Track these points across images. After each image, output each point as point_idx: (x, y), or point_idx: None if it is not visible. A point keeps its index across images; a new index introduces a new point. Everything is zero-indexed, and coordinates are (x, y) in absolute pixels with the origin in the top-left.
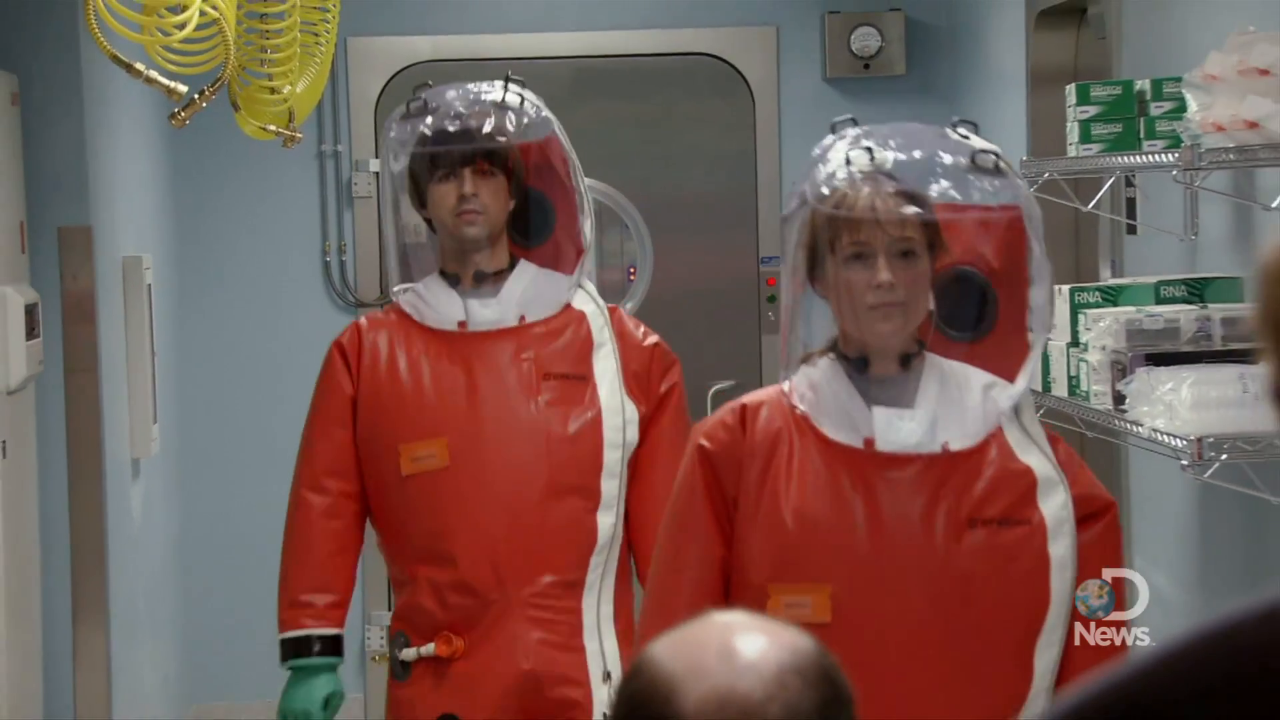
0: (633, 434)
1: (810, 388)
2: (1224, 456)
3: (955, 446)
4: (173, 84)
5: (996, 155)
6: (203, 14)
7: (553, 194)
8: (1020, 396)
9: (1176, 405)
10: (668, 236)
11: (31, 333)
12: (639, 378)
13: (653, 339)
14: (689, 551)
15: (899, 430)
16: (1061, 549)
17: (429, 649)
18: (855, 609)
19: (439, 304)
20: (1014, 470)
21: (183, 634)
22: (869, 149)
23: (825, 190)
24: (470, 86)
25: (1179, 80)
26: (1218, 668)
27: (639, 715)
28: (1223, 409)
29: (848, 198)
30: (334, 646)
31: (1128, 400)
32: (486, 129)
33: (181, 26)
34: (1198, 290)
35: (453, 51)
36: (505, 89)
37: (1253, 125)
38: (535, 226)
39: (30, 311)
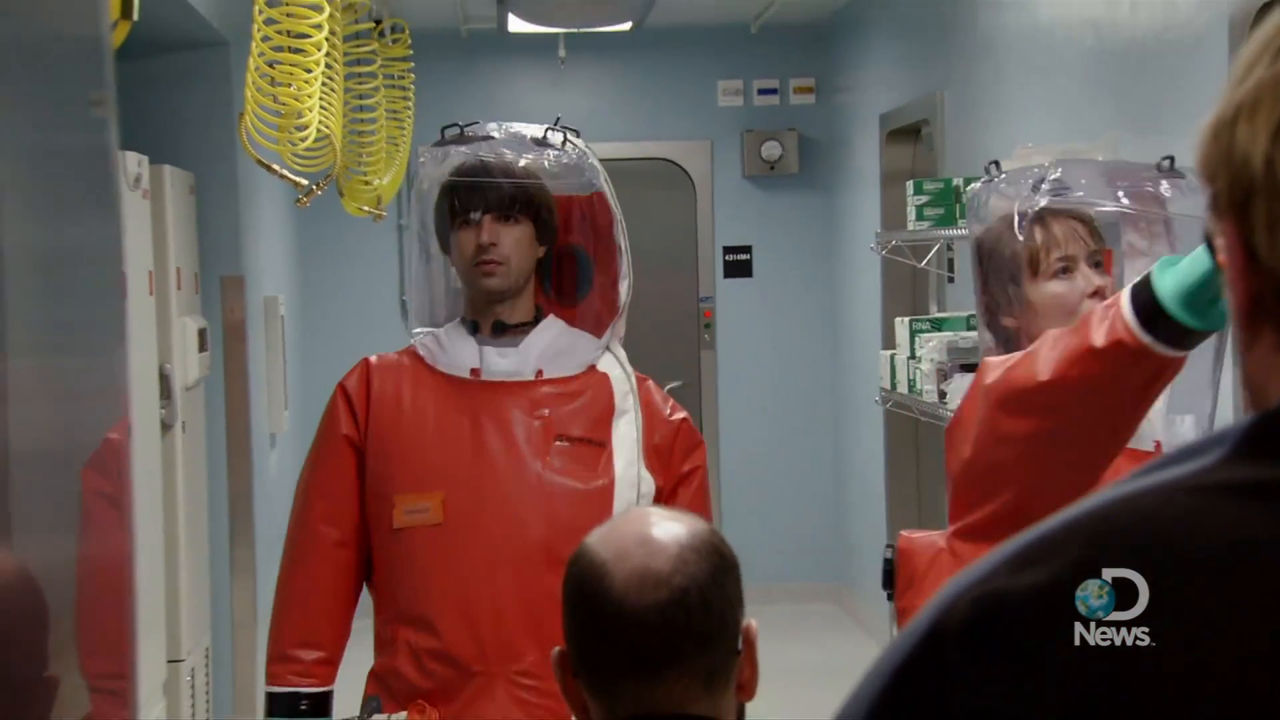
0: None
1: None
2: None
3: None
4: (297, 178)
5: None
6: (319, 131)
7: (593, 250)
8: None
9: None
10: (637, 281)
11: (202, 348)
12: (660, 452)
13: (681, 414)
14: None
15: None
16: None
17: (400, 717)
18: None
19: (454, 349)
20: None
21: None
22: (1045, 180)
23: (1019, 219)
24: (512, 126)
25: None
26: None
27: (582, 592)
28: None
29: (1045, 221)
30: (321, 706)
31: (947, 395)
32: (512, 172)
33: (304, 139)
34: None
35: None
36: (548, 131)
37: None
38: (568, 282)
39: (201, 333)
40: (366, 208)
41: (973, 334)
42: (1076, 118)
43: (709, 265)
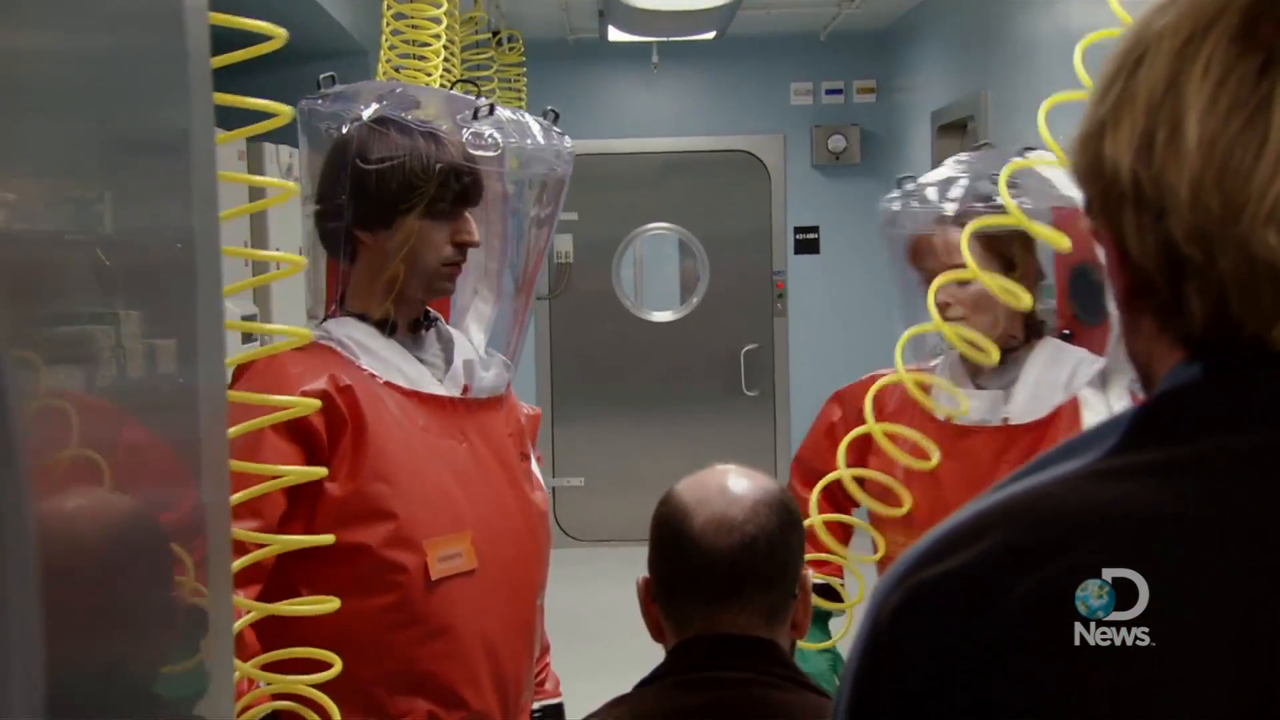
0: None
1: None
2: None
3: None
4: None
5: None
6: None
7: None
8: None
9: None
10: (718, 256)
11: None
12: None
13: (532, 409)
14: None
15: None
16: None
17: None
18: None
19: (393, 360)
20: None
21: None
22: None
23: None
24: (458, 94)
25: None
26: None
27: (666, 530)
28: None
29: None
30: None
31: None
32: (503, 161)
33: None
34: None
35: (594, 149)
36: (544, 118)
37: None
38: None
39: None
40: None
41: None
42: None
43: (781, 243)
